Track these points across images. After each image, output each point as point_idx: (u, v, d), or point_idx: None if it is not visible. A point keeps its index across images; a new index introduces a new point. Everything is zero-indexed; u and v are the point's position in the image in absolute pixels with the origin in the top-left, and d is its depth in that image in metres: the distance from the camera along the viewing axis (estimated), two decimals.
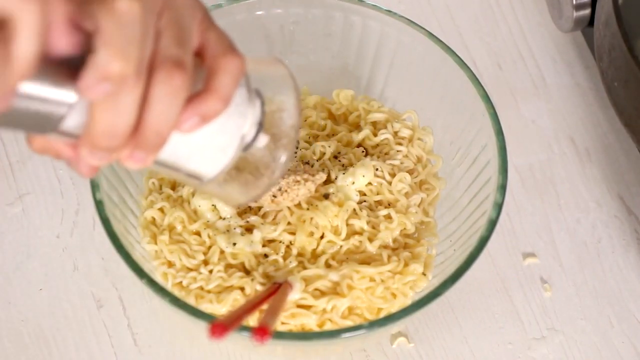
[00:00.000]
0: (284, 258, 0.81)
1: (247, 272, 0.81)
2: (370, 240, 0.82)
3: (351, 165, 0.85)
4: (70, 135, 0.60)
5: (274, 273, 0.80)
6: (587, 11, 0.94)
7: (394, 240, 0.83)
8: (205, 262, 0.81)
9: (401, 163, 0.86)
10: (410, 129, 0.88)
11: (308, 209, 0.82)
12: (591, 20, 0.94)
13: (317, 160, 0.85)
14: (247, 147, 0.66)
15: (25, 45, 0.53)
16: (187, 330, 0.87)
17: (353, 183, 0.83)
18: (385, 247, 0.83)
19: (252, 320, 0.78)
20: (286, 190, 0.81)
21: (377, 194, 0.84)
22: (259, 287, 0.79)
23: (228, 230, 0.82)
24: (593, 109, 0.98)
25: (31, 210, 0.92)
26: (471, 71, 0.85)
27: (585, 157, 0.96)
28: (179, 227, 0.83)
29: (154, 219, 0.83)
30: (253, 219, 0.82)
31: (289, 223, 0.82)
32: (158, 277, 0.81)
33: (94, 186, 0.78)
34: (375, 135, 0.87)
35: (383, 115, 0.88)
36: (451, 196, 0.86)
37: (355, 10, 0.88)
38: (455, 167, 0.87)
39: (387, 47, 0.89)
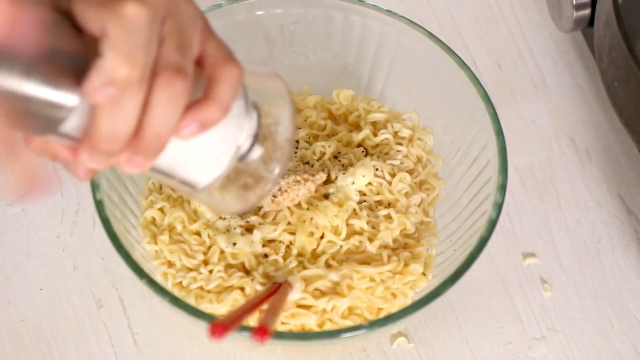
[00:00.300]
0: (284, 258, 0.81)
1: (247, 272, 0.81)
2: (370, 240, 0.82)
3: (351, 165, 0.85)
4: (70, 137, 0.60)
5: (274, 273, 0.80)
6: (587, 11, 0.94)
7: (394, 240, 0.83)
8: (205, 262, 0.81)
9: (401, 163, 0.86)
10: (410, 129, 0.88)
11: (308, 209, 0.82)
12: (591, 20, 0.94)
13: (317, 160, 0.85)
14: (241, 158, 0.67)
15: None
16: (187, 330, 0.86)
17: (353, 183, 0.83)
18: (385, 247, 0.83)
19: (252, 320, 0.78)
20: (286, 190, 0.81)
21: (377, 194, 0.84)
22: (259, 287, 0.79)
23: (228, 230, 0.82)
24: (593, 109, 0.98)
25: (31, 210, 0.92)
26: (471, 71, 0.85)
27: (585, 157, 0.96)
28: (179, 227, 0.83)
29: (154, 219, 0.83)
30: (253, 219, 0.82)
31: (289, 223, 0.82)
32: (158, 277, 0.81)
33: (94, 186, 0.78)
34: (375, 135, 0.87)
35: (383, 115, 0.88)
36: (451, 196, 0.86)
37: (355, 10, 0.88)
38: (455, 167, 0.87)
39: (387, 47, 0.89)
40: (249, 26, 0.89)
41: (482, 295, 0.89)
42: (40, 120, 0.57)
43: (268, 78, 0.70)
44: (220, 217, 0.82)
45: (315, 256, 0.82)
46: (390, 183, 0.85)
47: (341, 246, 0.82)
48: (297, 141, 0.86)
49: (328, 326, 0.79)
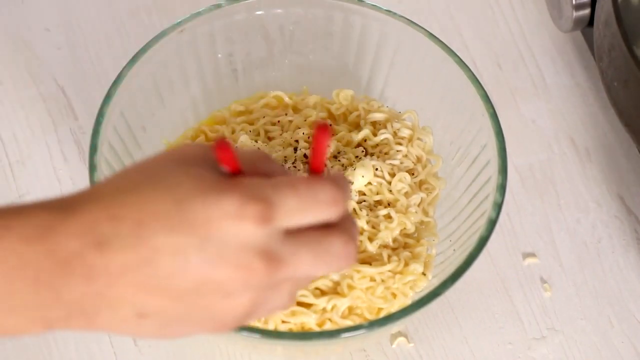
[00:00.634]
0: None
1: None
2: (370, 240, 0.82)
3: (351, 165, 0.85)
4: None
5: None
6: (587, 11, 0.94)
7: (394, 240, 0.83)
8: None
9: (401, 163, 0.86)
10: (410, 128, 0.88)
11: None
12: (591, 20, 0.94)
13: None
14: None
15: None
16: None
17: (352, 183, 0.83)
18: (385, 246, 0.83)
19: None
20: None
21: (377, 193, 0.84)
22: None
23: None
24: (593, 109, 0.98)
25: None
26: (471, 71, 0.85)
27: (585, 157, 0.96)
28: None
29: None
30: None
31: None
32: None
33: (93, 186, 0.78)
34: (375, 135, 0.87)
35: (383, 115, 0.88)
36: (451, 196, 0.86)
37: (355, 10, 0.88)
38: (455, 167, 0.87)
39: (387, 47, 0.89)
40: (248, 26, 0.89)
41: (482, 295, 0.89)
42: None
43: None
44: None
45: None
46: (390, 183, 0.85)
47: None
48: (297, 141, 0.86)
49: (328, 326, 0.79)
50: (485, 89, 0.84)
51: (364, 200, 0.84)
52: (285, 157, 0.85)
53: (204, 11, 0.86)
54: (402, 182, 0.85)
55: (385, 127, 0.87)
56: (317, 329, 0.79)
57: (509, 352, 0.87)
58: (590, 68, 1.00)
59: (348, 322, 0.79)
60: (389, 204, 0.84)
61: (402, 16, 0.87)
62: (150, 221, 0.56)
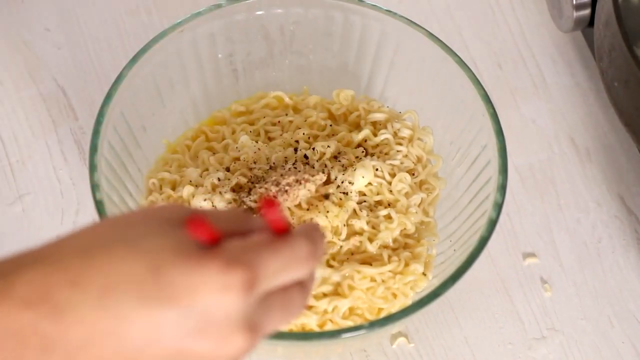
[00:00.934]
0: None
1: None
2: (371, 240, 0.82)
3: (351, 165, 0.85)
4: None
5: None
6: (587, 11, 0.94)
7: (394, 240, 0.83)
8: None
9: (401, 163, 0.86)
10: (410, 128, 0.88)
11: (308, 209, 0.82)
12: (591, 21, 0.94)
13: (317, 161, 0.85)
14: None
15: None
16: None
17: (352, 183, 0.83)
18: (385, 247, 0.83)
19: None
20: (286, 191, 0.81)
21: (377, 194, 0.84)
22: None
23: None
24: (593, 109, 0.98)
25: (31, 210, 0.92)
26: (471, 71, 0.85)
27: (585, 157, 0.96)
28: None
29: None
30: None
31: None
32: None
33: (94, 186, 0.78)
34: (375, 135, 0.87)
35: (383, 115, 0.88)
36: (451, 196, 0.86)
37: (355, 10, 0.88)
38: (456, 167, 0.87)
39: (387, 47, 0.89)
40: (249, 26, 0.89)
41: (482, 295, 0.89)
42: None
43: None
44: None
45: None
46: (390, 183, 0.85)
47: (341, 246, 0.82)
48: (297, 141, 0.86)
49: (329, 326, 0.79)
50: (486, 89, 0.84)
51: (364, 201, 0.84)
52: (285, 157, 0.85)
53: (204, 11, 0.86)
54: (403, 182, 0.85)
55: (386, 127, 0.87)
56: (317, 329, 0.79)
57: (509, 352, 0.87)
58: (590, 68, 1.00)
59: (349, 323, 0.79)
60: (389, 204, 0.84)
61: (402, 16, 0.87)
62: (119, 287, 0.51)
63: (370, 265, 0.81)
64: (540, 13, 1.02)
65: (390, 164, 0.85)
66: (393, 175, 0.85)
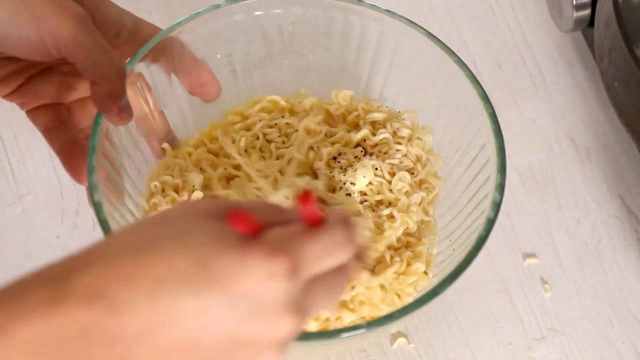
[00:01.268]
0: None
1: None
2: (375, 240, 0.82)
3: (350, 165, 0.85)
4: None
5: None
6: (587, 11, 0.94)
7: (397, 240, 0.83)
8: None
9: (400, 162, 0.86)
10: (410, 128, 0.88)
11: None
12: (591, 21, 0.94)
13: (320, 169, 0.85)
14: None
15: None
16: None
17: (354, 184, 0.83)
18: (389, 247, 0.83)
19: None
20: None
21: (378, 193, 0.84)
22: None
23: None
24: (593, 109, 0.98)
25: (31, 211, 0.92)
26: (470, 71, 0.84)
27: (586, 157, 0.96)
28: None
29: None
30: None
31: None
32: None
33: (92, 187, 0.78)
34: (374, 134, 0.87)
35: (382, 115, 0.88)
36: (450, 195, 0.86)
37: (355, 10, 0.88)
38: (455, 167, 0.87)
39: (387, 47, 0.89)
40: (247, 26, 0.89)
41: (482, 295, 0.89)
42: None
43: None
44: None
45: None
46: (390, 182, 0.85)
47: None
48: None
49: None
50: (485, 89, 0.84)
51: (366, 200, 0.84)
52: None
53: (203, 11, 0.86)
54: (402, 181, 0.85)
55: (385, 127, 0.87)
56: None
57: (509, 353, 0.87)
58: (590, 68, 1.00)
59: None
60: (390, 204, 0.84)
61: (401, 16, 0.87)
62: (169, 280, 0.54)
63: (374, 268, 0.81)
64: (540, 13, 1.02)
65: (390, 163, 0.85)
66: (392, 175, 0.85)
